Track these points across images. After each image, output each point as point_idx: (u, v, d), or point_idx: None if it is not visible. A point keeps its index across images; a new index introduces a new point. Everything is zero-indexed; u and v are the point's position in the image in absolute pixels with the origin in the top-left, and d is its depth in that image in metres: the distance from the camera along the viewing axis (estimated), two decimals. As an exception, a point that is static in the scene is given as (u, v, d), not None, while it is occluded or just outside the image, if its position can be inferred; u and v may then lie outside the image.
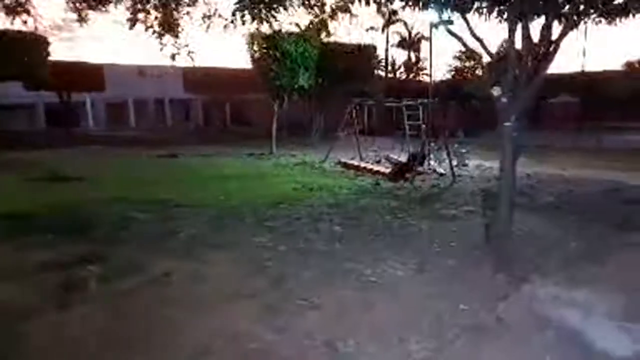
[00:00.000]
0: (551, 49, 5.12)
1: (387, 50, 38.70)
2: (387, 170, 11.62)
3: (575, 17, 5.41)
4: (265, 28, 6.77)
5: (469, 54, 23.14)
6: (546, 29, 5.31)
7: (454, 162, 12.77)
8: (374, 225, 6.61)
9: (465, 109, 29.48)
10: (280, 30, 15.08)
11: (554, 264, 5.00)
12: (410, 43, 39.86)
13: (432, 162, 12.48)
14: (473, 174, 11.83)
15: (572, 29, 5.20)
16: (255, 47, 15.50)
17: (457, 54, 30.93)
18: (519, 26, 5.37)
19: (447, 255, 5.27)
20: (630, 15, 6.05)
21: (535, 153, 15.42)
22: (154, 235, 5.98)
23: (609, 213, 7.27)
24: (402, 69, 41.81)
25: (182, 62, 7.01)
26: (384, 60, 38.18)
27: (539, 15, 5.86)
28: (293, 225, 6.52)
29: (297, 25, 24.18)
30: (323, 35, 7.67)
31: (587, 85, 28.40)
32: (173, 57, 7.00)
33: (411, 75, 40.34)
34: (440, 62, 42.98)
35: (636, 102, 29.24)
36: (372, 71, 23.20)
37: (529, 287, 4.39)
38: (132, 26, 7.08)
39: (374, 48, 22.46)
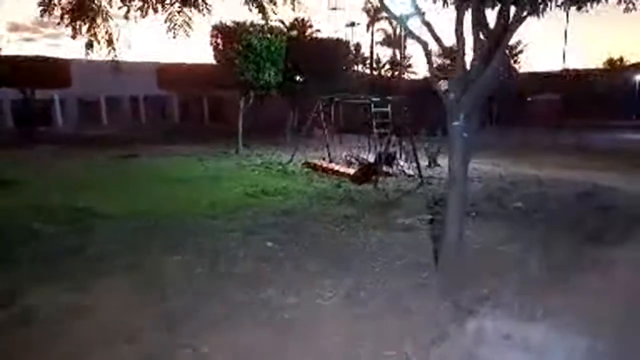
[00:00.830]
0: (505, 36, 4.37)
1: (372, 47, 37.93)
2: (352, 172, 10.84)
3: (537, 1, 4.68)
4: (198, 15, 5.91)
5: (445, 52, 22.35)
6: (503, 14, 4.57)
7: (425, 163, 12.06)
8: (317, 238, 5.82)
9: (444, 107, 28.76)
10: (245, 22, 14.35)
11: (510, 288, 4.26)
12: (395, 41, 39.15)
13: (401, 163, 11.73)
14: (443, 176, 11.09)
15: (530, 14, 4.47)
16: (219, 40, 14.59)
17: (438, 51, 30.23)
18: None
19: (389, 278, 4.51)
20: (603, 0, 5.34)
21: (512, 152, 14.82)
22: (52, 254, 5.11)
23: (580, 221, 6.57)
24: (387, 67, 41.16)
25: (102, 54, 6.12)
26: (369, 58, 37.45)
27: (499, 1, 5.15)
28: (224, 239, 5.70)
29: (282, 21, 23.33)
30: (264, 22, 6.79)
31: (569, 83, 27.97)
32: (89, 45, 6.10)
33: (396, 73, 39.70)
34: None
35: (618, 100, 28.93)
36: (350, 68, 22.28)
37: (476, 322, 3.64)
38: (45, 11, 6.21)
39: (347, 43, 21.49)
